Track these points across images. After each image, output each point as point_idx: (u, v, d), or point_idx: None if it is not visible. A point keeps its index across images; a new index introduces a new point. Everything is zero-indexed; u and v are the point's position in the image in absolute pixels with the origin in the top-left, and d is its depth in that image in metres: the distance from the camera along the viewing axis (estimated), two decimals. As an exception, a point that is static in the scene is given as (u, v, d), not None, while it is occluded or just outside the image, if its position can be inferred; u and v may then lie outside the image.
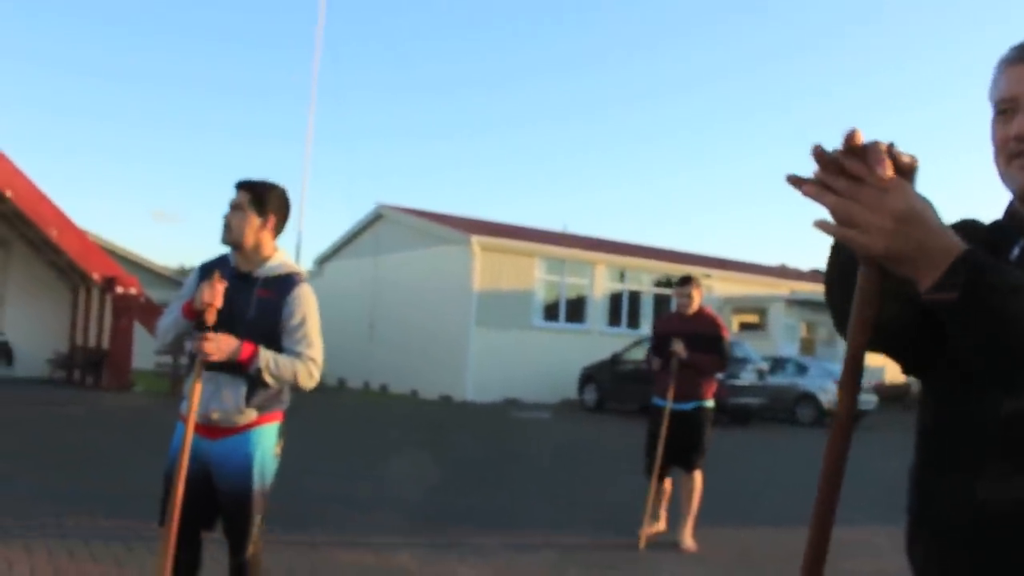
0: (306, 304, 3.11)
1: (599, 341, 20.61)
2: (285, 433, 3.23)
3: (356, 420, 15.07)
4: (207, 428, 3.04)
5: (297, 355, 3.05)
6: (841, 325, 1.23)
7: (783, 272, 29.59)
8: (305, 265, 25.60)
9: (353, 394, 21.49)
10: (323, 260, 26.28)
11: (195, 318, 2.97)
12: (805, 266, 38.69)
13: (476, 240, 19.62)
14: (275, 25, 49.12)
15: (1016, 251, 1.22)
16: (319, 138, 57.74)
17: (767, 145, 62.89)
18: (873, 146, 0.99)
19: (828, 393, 17.84)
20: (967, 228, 1.28)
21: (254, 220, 3.08)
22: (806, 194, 1.04)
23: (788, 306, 23.61)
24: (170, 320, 3.13)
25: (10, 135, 57.73)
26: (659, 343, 6.25)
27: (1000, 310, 0.99)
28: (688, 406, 6.07)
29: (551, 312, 21.23)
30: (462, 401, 19.25)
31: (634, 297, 22.59)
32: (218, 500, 3.09)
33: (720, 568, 5.59)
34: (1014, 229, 1.25)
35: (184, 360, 3.30)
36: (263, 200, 3.09)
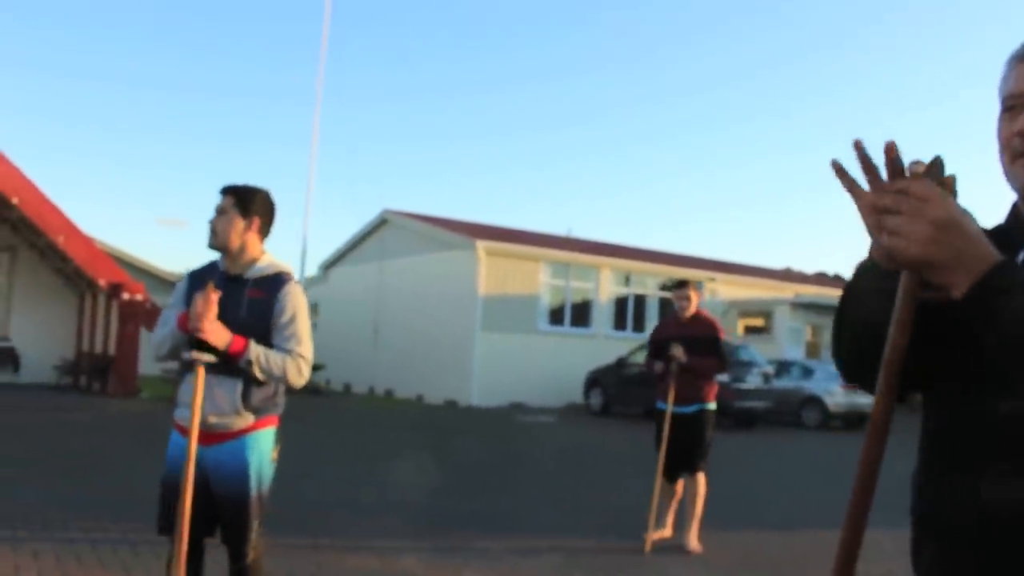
0: (295, 302, 3.12)
1: (604, 345, 20.60)
2: (282, 438, 3.23)
3: (361, 425, 15.08)
4: (203, 434, 3.02)
5: (287, 352, 3.05)
6: (847, 337, 1.28)
7: (788, 275, 29.54)
8: (311, 271, 25.66)
9: (358, 399, 21.50)
10: (328, 265, 26.31)
11: (190, 329, 2.99)
12: (810, 269, 38.76)
13: (481, 245, 19.64)
14: (279, 31, 49.27)
15: (1022, 255, 1.22)
16: (324, 143, 57.88)
17: (772, 148, 62.88)
18: (915, 164, 1.07)
19: (833, 396, 17.80)
20: None
21: (239, 223, 3.11)
22: (845, 186, 1.12)
23: (793, 309, 23.58)
24: (166, 332, 3.14)
25: (17, 142, 57.99)
26: (657, 348, 6.31)
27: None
28: (689, 409, 6.12)
29: (556, 316, 21.22)
30: (467, 405, 19.25)
31: (639, 301, 22.58)
32: (215, 506, 3.08)
33: (725, 572, 5.58)
34: (1018, 233, 1.25)
35: (177, 366, 3.29)
36: (247, 203, 3.13)
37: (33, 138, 46.66)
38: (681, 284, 6.40)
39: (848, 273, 1.34)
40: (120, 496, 6.70)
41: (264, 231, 3.21)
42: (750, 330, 24.53)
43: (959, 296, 1.06)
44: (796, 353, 22.67)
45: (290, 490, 7.18)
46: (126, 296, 17.08)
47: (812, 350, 23.95)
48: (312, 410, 16.14)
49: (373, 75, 50.39)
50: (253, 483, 3.07)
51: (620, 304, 22.26)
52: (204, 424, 3.02)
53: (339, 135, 46.59)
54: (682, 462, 6.13)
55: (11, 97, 43.87)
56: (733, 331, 22.70)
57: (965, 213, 1.06)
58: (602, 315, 21.72)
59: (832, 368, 18.39)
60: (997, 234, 1.28)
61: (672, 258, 25.09)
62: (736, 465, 10.54)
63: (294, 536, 5.55)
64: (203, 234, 3.16)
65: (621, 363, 18.41)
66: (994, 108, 1.31)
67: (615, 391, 18.37)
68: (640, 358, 17.80)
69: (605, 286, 21.81)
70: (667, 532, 6.26)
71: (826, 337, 24.13)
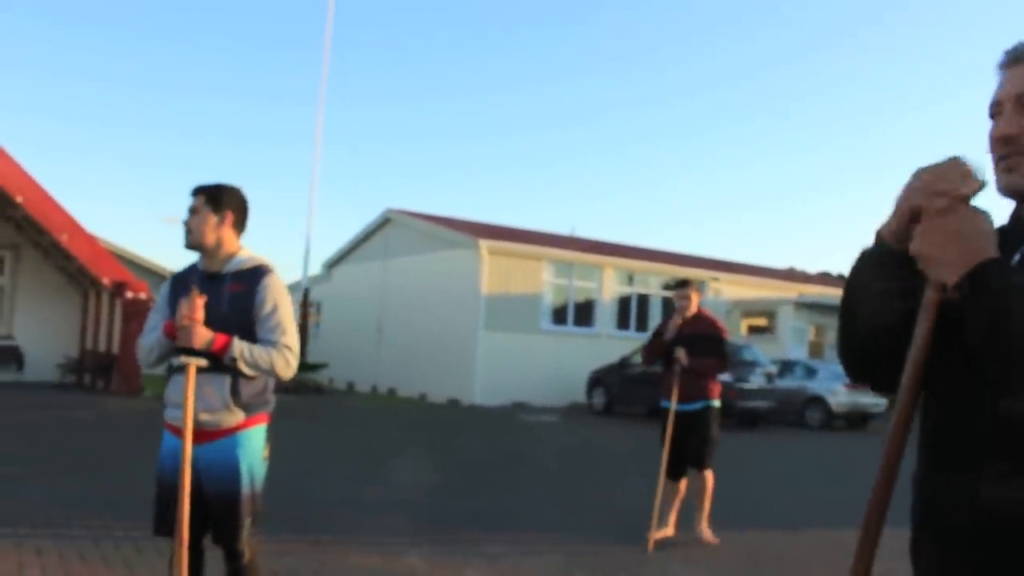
0: (276, 292, 3.12)
1: (607, 344, 20.59)
2: (272, 436, 3.22)
3: (364, 423, 15.09)
4: (194, 432, 3.01)
5: (272, 344, 3.04)
6: (853, 338, 1.32)
7: (791, 275, 29.49)
8: (314, 269, 25.68)
9: (361, 397, 21.52)
10: (332, 264, 26.33)
11: (176, 336, 3.00)
12: (813, 269, 38.66)
13: (484, 244, 19.64)
14: (282, 30, 49.30)
15: (1017, 257, 1.23)
16: (327, 142, 57.94)
17: (773, 148, 62.76)
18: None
19: (837, 396, 17.79)
20: None
21: (211, 219, 3.13)
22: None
23: (797, 309, 23.55)
24: (153, 339, 3.15)
25: (21, 141, 58.13)
26: (656, 338, 6.42)
27: (1005, 310, 1.05)
28: (695, 406, 6.19)
29: (559, 316, 21.22)
30: (470, 405, 19.26)
31: (642, 300, 22.57)
32: (206, 505, 3.06)
33: (727, 571, 5.58)
34: (1017, 234, 1.26)
35: (164, 371, 3.29)
36: (217, 199, 3.15)
37: (36, 136, 46.77)
38: (682, 284, 6.48)
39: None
40: (123, 494, 6.71)
41: (239, 226, 3.21)
42: (753, 330, 24.51)
43: (949, 291, 1.11)
44: (799, 353, 22.65)
45: (293, 488, 7.20)
46: (130, 295, 17.12)
47: (815, 350, 23.92)
48: (315, 408, 16.16)
49: (375, 75, 50.44)
50: (244, 481, 3.06)
51: (623, 303, 22.25)
52: (195, 422, 3.01)
53: (342, 134, 46.68)
54: (688, 459, 6.24)
55: (16, 96, 43.98)
56: (736, 331, 22.67)
57: (980, 216, 1.13)
58: (605, 314, 21.72)
59: (835, 368, 18.41)
60: (998, 234, 1.29)
61: (675, 257, 25.07)
62: (739, 465, 10.53)
63: (297, 534, 5.56)
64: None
65: (624, 363, 18.40)
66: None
67: (618, 391, 18.37)
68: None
69: (608, 285, 21.80)
70: (670, 531, 6.27)
71: (830, 337, 24.11)
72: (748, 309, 24.36)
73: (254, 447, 3.11)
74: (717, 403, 6.27)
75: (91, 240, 17.68)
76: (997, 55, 1.31)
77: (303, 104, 56.58)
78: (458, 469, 9.54)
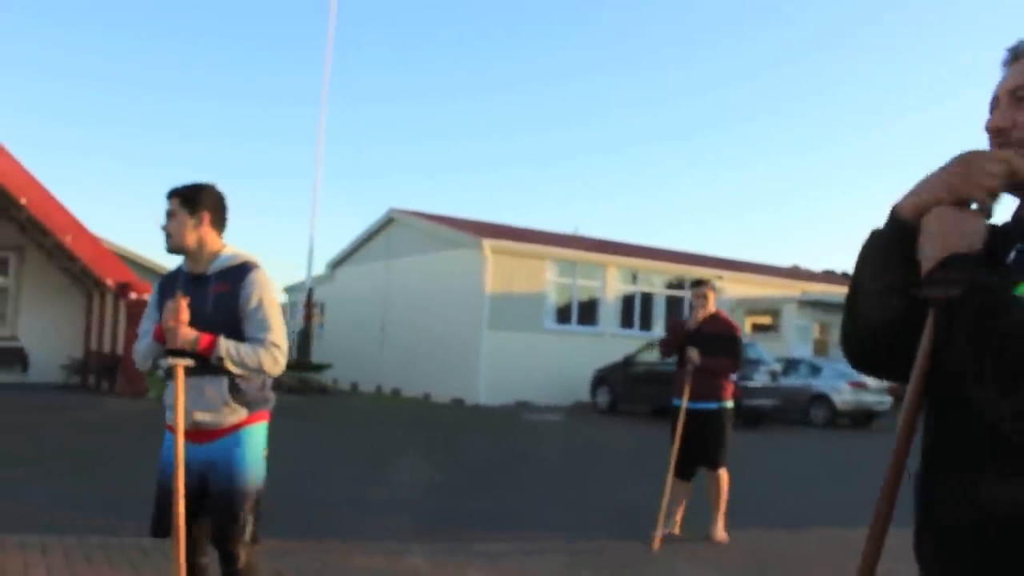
0: (262, 287, 3.09)
1: (611, 343, 20.58)
2: (274, 436, 3.22)
3: (368, 423, 15.10)
4: (194, 432, 3.02)
5: (259, 342, 3.02)
6: (858, 334, 1.34)
7: (795, 273, 29.46)
8: (318, 270, 25.71)
9: (365, 397, 21.54)
10: (335, 264, 26.35)
11: (165, 340, 3.00)
12: (817, 267, 38.62)
13: (488, 243, 19.64)
14: (285, 30, 49.32)
15: (1013, 254, 1.23)
16: (330, 142, 57.94)
17: (775, 147, 62.63)
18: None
19: (841, 394, 17.76)
20: None
21: (188, 221, 3.11)
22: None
23: (800, 307, 23.52)
24: (145, 346, 3.17)
25: (25, 142, 58.22)
26: (674, 331, 6.45)
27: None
28: (708, 406, 6.22)
29: (563, 315, 21.21)
30: (474, 404, 19.26)
31: (646, 299, 22.55)
32: (207, 504, 3.06)
33: (733, 570, 5.57)
34: (1016, 232, 1.26)
35: (160, 373, 3.30)
36: (193, 199, 3.13)
37: (37, 136, 46.80)
38: (698, 283, 6.52)
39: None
40: (128, 495, 6.71)
41: (218, 224, 3.19)
42: (757, 328, 24.48)
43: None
44: (804, 351, 22.62)
45: (297, 488, 7.21)
46: (134, 295, 17.13)
47: (820, 348, 23.89)
48: (319, 409, 16.17)
49: (378, 74, 50.46)
50: (246, 478, 3.06)
51: (627, 302, 22.23)
52: (196, 422, 3.02)
53: (345, 134, 46.64)
54: (700, 458, 6.26)
55: (20, 97, 44.06)
56: (741, 329, 22.63)
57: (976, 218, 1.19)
58: (609, 313, 21.70)
59: (840, 366, 18.39)
60: (994, 234, 1.29)
61: (679, 256, 25.05)
62: (744, 463, 10.50)
63: (300, 534, 5.57)
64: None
65: (628, 361, 18.38)
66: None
67: (622, 389, 18.35)
68: (647, 356, 17.81)
69: (612, 284, 21.79)
70: (675, 530, 6.26)
71: (834, 335, 24.07)
72: (752, 307, 24.33)
73: (256, 443, 3.11)
74: (730, 404, 6.30)
75: (95, 241, 17.71)
76: (997, 55, 1.34)
77: (306, 104, 56.70)
78: (461, 469, 9.54)
